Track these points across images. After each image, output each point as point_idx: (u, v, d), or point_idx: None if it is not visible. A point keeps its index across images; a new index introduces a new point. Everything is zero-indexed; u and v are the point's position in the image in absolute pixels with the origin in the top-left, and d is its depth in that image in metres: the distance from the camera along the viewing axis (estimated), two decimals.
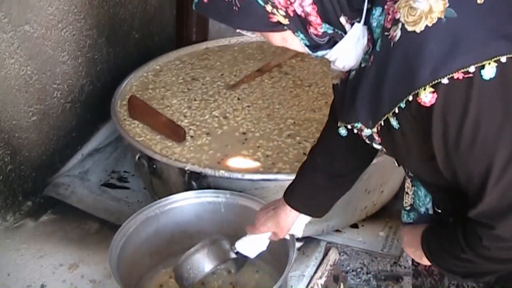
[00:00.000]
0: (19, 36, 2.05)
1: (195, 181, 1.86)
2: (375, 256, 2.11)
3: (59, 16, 2.21)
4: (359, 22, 1.04)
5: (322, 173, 1.40)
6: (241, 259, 1.61)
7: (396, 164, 1.26)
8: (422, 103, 0.95)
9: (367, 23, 1.05)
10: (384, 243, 2.04)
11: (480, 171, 0.99)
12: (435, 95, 0.94)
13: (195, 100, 2.31)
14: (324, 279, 1.93)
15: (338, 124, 1.22)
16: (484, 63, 0.91)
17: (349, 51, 1.06)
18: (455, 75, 0.92)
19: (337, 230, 2.07)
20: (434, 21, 0.94)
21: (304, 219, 1.50)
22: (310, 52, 1.07)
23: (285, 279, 1.54)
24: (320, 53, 1.07)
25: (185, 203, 1.80)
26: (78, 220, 2.17)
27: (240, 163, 1.96)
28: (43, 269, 1.96)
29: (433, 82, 0.93)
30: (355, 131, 1.14)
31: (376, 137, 1.10)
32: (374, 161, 1.85)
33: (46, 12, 2.15)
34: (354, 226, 2.10)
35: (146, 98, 2.32)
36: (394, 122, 1.02)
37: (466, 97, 0.93)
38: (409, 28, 0.96)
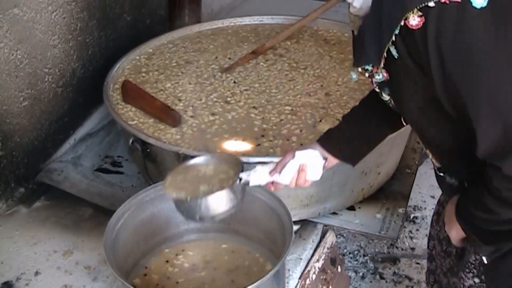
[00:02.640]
0: (8, 20, 2.01)
1: None
2: (372, 238, 2.11)
3: None
4: None
5: (361, 117, 1.42)
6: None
7: (404, 122, 1.29)
8: (410, 26, 0.99)
9: None
10: (381, 225, 2.03)
11: (476, 102, 1.00)
12: (422, 19, 0.97)
13: (190, 83, 2.28)
14: (321, 262, 1.92)
15: (351, 69, 1.23)
16: None
17: None
18: None
19: (334, 213, 2.06)
20: None
21: (303, 158, 1.43)
22: None
23: (283, 262, 1.52)
24: None
25: None
26: (71, 206, 2.15)
27: (236, 146, 1.93)
28: (37, 256, 1.94)
29: (421, 5, 0.96)
30: (367, 75, 1.17)
31: (384, 74, 1.13)
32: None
33: None
34: (351, 208, 2.09)
35: (139, 82, 2.30)
36: (393, 52, 1.05)
37: (457, 22, 0.95)
38: None
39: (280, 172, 1.41)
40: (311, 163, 1.43)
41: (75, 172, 2.27)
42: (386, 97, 1.19)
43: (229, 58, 2.46)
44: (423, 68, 1.03)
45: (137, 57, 2.47)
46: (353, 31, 1.23)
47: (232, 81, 2.29)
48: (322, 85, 2.25)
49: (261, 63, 2.42)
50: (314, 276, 1.88)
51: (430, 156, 1.30)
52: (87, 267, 1.89)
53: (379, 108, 1.32)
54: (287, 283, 1.76)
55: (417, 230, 2.52)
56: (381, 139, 1.47)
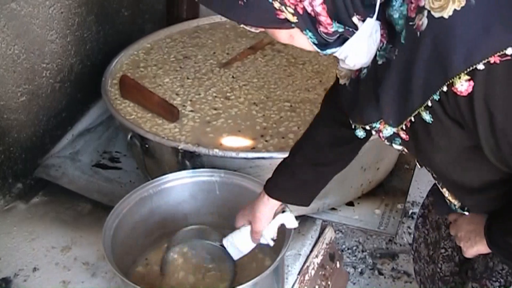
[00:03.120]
0: (6, 14, 1.99)
1: (188, 160, 1.83)
2: (371, 234, 2.11)
3: None
4: (371, 17, 0.97)
5: (306, 163, 1.38)
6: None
7: (418, 166, 1.21)
8: (458, 93, 0.89)
9: (381, 17, 0.98)
10: (380, 220, 2.03)
11: None
12: (471, 83, 0.88)
13: (188, 78, 2.28)
14: (320, 257, 1.92)
15: (353, 126, 1.16)
16: None
17: (360, 48, 0.99)
18: (491, 59, 0.85)
19: (333, 208, 2.05)
20: (463, 4, 0.87)
21: (278, 220, 1.48)
22: (318, 50, 1.01)
23: (282, 258, 1.52)
24: (329, 50, 1.01)
25: (179, 183, 1.77)
26: (70, 201, 2.15)
27: (235, 141, 1.93)
28: (35, 252, 1.94)
29: (468, 69, 0.87)
30: (373, 132, 1.08)
31: (403, 135, 1.04)
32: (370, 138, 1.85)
33: None
34: (350, 204, 2.08)
35: (137, 77, 2.29)
36: (427, 116, 0.96)
37: (508, 81, 0.87)
38: (436, 15, 0.89)
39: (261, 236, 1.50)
40: (284, 222, 1.48)
41: (73, 168, 2.26)
42: (398, 147, 1.10)
43: (227, 53, 2.45)
44: (460, 124, 0.95)
45: (135, 52, 2.46)
46: (342, 85, 1.16)
47: (231, 76, 2.29)
48: (321, 81, 2.24)
49: (259, 58, 2.41)
50: (313, 272, 1.88)
51: (447, 194, 1.23)
52: (85, 263, 1.89)
53: (332, 141, 1.31)
54: (286, 278, 1.76)
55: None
56: (330, 179, 1.45)
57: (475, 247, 1.22)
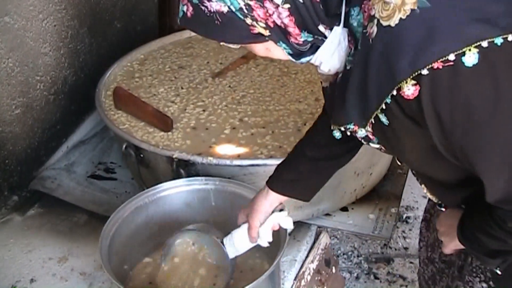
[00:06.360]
0: None
1: (183, 169, 1.84)
2: (366, 238, 2.12)
3: (39, 6, 2.18)
4: (338, 25, 1.04)
5: (308, 157, 1.40)
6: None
7: (398, 162, 1.26)
8: (405, 97, 0.94)
9: (347, 25, 1.04)
10: (374, 225, 2.05)
11: (481, 157, 0.97)
12: (418, 87, 0.92)
13: (182, 88, 2.30)
14: (315, 263, 1.93)
15: (332, 127, 1.20)
16: (464, 49, 0.89)
17: (331, 55, 1.07)
18: (435, 65, 0.90)
19: (327, 214, 2.07)
20: (408, 13, 0.92)
21: (274, 218, 1.48)
22: (293, 60, 1.08)
23: (277, 264, 1.53)
24: (304, 59, 1.08)
25: (174, 192, 1.78)
26: (66, 213, 2.16)
27: (229, 150, 1.94)
28: (32, 263, 1.94)
29: (414, 74, 0.91)
30: (348, 133, 1.12)
31: (371, 136, 1.09)
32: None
33: (26, 3, 2.11)
34: (344, 209, 2.10)
35: (132, 87, 2.31)
36: (383, 119, 1.01)
37: (451, 86, 0.91)
38: (384, 23, 0.94)
39: (258, 237, 1.48)
40: (280, 221, 1.48)
41: (69, 179, 2.27)
42: (375, 145, 1.14)
43: (221, 63, 2.48)
44: (420, 124, 0.99)
45: (129, 64, 2.48)
46: (324, 88, 1.21)
47: (228, 85, 2.31)
48: (312, 90, 2.26)
49: (253, 68, 2.43)
50: (309, 277, 1.89)
51: (425, 190, 1.28)
52: (82, 273, 1.89)
53: (333, 141, 1.31)
54: (282, 284, 1.77)
55: (410, 230, 2.53)
56: (332, 174, 1.46)
57: (453, 242, 1.25)
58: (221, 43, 1.06)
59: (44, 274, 1.90)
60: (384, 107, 0.98)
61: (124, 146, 1.95)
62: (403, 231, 2.52)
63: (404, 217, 2.59)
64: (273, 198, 1.45)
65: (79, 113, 2.50)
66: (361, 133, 1.09)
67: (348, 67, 1.06)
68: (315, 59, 1.09)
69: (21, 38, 2.12)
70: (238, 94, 2.25)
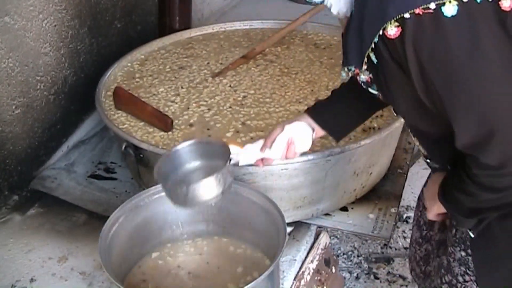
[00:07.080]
0: None
1: None
2: (366, 238, 2.12)
3: (39, 6, 2.18)
4: None
5: (348, 95, 1.47)
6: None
7: (394, 113, 1.35)
8: (388, 36, 1.06)
9: None
10: (374, 225, 2.05)
11: (451, 95, 1.06)
12: (399, 29, 1.04)
13: (182, 88, 2.30)
14: (315, 263, 1.93)
15: (342, 68, 1.28)
16: (444, 0, 1.00)
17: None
18: (416, 11, 1.02)
19: (327, 214, 2.07)
20: None
21: (294, 131, 1.47)
22: None
23: (277, 264, 1.53)
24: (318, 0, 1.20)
25: None
26: (65, 212, 2.16)
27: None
28: (31, 263, 1.94)
29: (397, 17, 1.03)
30: (350, 75, 1.22)
31: (366, 77, 1.20)
32: (362, 142, 1.87)
33: (26, 3, 2.12)
34: (344, 209, 2.10)
35: (133, 87, 2.31)
36: (373, 58, 1.12)
37: (432, 32, 1.02)
38: None
39: (270, 147, 1.46)
40: (299, 136, 1.47)
41: (69, 179, 2.28)
42: (374, 91, 1.24)
43: (221, 63, 2.48)
44: (405, 72, 1.09)
45: (129, 64, 2.49)
46: (342, 34, 1.26)
47: (228, 85, 2.31)
48: (312, 90, 2.26)
49: (253, 68, 2.43)
50: (308, 277, 1.89)
51: (417, 143, 1.36)
52: (82, 273, 1.89)
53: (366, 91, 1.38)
54: (282, 284, 1.78)
55: (410, 229, 2.53)
56: (366, 117, 1.57)
57: (436, 206, 1.34)
58: None
59: (43, 274, 1.90)
60: (373, 46, 1.10)
61: (123, 146, 1.95)
62: (403, 231, 2.52)
63: (404, 217, 2.58)
64: (304, 121, 1.48)
65: (79, 113, 2.51)
66: (362, 77, 1.21)
67: (351, 13, 1.17)
68: (327, 1, 1.19)
69: (21, 38, 2.12)
70: (239, 95, 2.25)
